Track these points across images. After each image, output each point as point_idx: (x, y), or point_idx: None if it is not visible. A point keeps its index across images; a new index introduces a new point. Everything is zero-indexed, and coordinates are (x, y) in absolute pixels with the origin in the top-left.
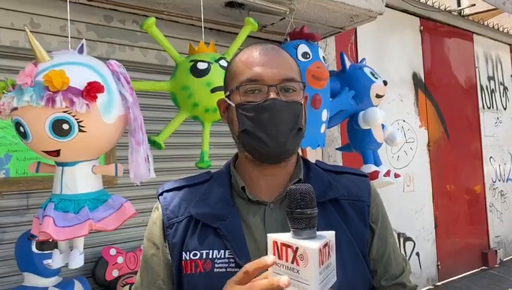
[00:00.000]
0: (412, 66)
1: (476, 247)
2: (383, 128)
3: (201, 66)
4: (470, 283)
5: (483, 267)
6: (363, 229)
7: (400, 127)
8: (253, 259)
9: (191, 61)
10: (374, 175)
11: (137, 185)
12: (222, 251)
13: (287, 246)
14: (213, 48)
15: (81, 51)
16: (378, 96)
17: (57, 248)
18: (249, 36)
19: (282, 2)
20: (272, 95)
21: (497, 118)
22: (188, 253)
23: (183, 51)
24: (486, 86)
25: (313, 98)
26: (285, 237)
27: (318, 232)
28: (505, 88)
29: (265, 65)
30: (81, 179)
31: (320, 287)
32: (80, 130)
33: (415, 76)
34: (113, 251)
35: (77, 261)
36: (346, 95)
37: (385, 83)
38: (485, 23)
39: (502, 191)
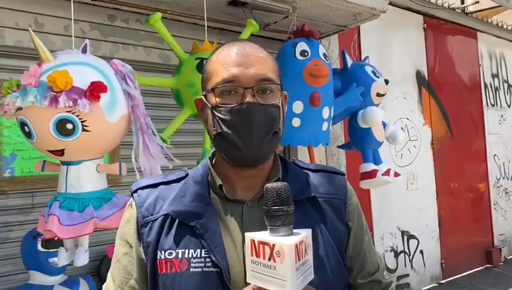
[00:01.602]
0: (416, 64)
1: (480, 245)
2: (384, 127)
3: None
4: (474, 281)
5: (488, 265)
6: (339, 226)
7: (403, 125)
8: (229, 258)
9: (197, 58)
10: (373, 174)
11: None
12: (198, 250)
13: (264, 243)
14: (217, 47)
15: (84, 51)
16: (379, 95)
17: (62, 246)
18: (251, 34)
19: (285, 0)
20: (248, 98)
21: (501, 116)
22: (163, 252)
23: (186, 49)
24: (490, 84)
25: (311, 96)
26: (263, 235)
27: (294, 230)
28: (509, 86)
29: (241, 65)
30: (85, 178)
31: (297, 283)
32: (84, 130)
33: (418, 74)
34: None
35: (82, 259)
36: (354, 91)
37: (386, 81)
38: (489, 20)
39: (506, 189)
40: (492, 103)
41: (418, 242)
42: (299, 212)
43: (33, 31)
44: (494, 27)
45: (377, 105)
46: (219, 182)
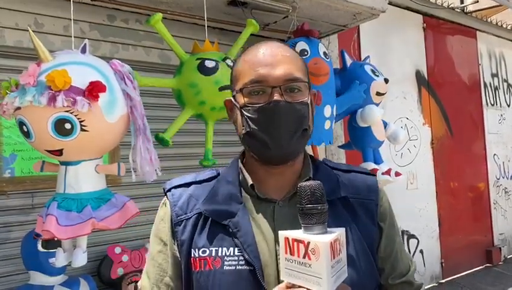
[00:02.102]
0: (415, 63)
1: (480, 244)
2: (385, 126)
3: (209, 64)
4: (474, 280)
5: (487, 265)
6: (371, 227)
7: (403, 125)
8: (262, 257)
9: (198, 59)
10: (372, 173)
11: (141, 183)
12: (231, 248)
13: (299, 241)
14: (217, 47)
15: (83, 51)
16: (378, 94)
17: (60, 247)
18: (251, 34)
19: (284, 0)
20: (276, 97)
21: (501, 115)
22: (197, 250)
23: (186, 49)
24: (490, 83)
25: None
26: (297, 233)
27: (328, 229)
28: (509, 85)
29: (269, 65)
30: (84, 178)
31: (333, 280)
32: (82, 130)
33: (418, 73)
34: (118, 249)
35: (80, 259)
36: (357, 88)
37: (386, 80)
38: (489, 19)
39: (506, 188)
40: (492, 103)
41: (418, 242)
42: (330, 212)
43: (33, 31)
44: (494, 26)
45: (378, 104)
46: (250, 181)
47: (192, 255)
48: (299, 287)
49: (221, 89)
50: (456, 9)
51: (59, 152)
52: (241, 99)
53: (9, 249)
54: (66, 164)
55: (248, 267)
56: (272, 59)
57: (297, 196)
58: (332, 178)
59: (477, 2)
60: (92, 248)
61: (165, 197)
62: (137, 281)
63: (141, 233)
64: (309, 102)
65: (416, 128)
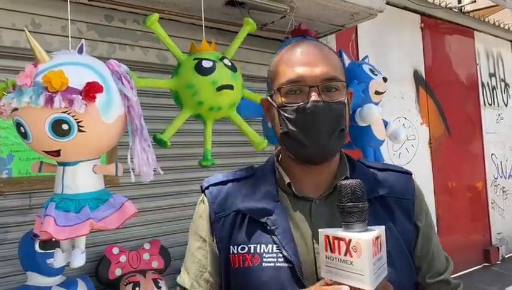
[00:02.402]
0: (413, 63)
1: (478, 244)
2: (386, 125)
3: (207, 64)
4: (472, 279)
5: (485, 264)
6: (408, 226)
7: (401, 125)
8: (300, 254)
9: (195, 59)
10: None
11: (140, 184)
12: (270, 246)
13: (339, 239)
14: (215, 47)
15: (80, 51)
16: (377, 92)
17: (58, 247)
18: (249, 34)
19: (282, 0)
20: (314, 97)
21: (499, 115)
22: (235, 247)
23: (183, 50)
24: (488, 83)
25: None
26: (337, 231)
27: (368, 227)
28: (506, 85)
29: (306, 65)
30: (82, 179)
31: (374, 277)
32: (80, 130)
33: (416, 73)
34: (116, 250)
35: (79, 260)
36: (355, 88)
37: (385, 79)
38: (486, 19)
39: (504, 187)
40: (490, 102)
41: None
42: (369, 211)
43: (30, 31)
44: (491, 26)
45: (377, 103)
46: (287, 180)
47: (231, 252)
48: (340, 284)
49: (220, 89)
50: (453, 9)
51: (57, 153)
52: (279, 99)
53: (7, 250)
54: (64, 164)
55: (287, 265)
56: (309, 58)
57: (336, 194)
58: (369, 177)
59: (475, 2)
60: (89, 248)
61: (202, 195)
62: (135, 282)
63: (139, 233)
64: (346, 101)
65: (414, 128)
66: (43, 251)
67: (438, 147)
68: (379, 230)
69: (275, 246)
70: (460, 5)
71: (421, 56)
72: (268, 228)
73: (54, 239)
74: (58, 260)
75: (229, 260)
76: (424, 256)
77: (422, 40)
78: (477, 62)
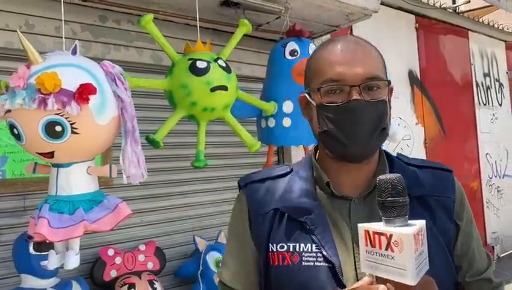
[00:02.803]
0: (408, 63)
1: None
2: None
3: (201, 64)
4: None
5: None
6: (448, 225)
7: (397, 124)
8: (340, 254)
9: (189, 59)
10: None
11: (135, 185)
12: (309, 245)
13: (380, 234)
14: (209, 48)
15: (74, 52)
16: None
17: (53, 249)
18: (244, 35)
19: (277, 0)
20: (354, 96)
21: (493, 114)
22: (274, 245)
23: (178, 50)
24: (482, 83)
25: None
26: (377, 226)
27: (409, 221)
28: (501, 84)
29: (347, 64)
30: (76, 180)
31: (416, 272)
32: (73, 132)
33: (410, 73)
34: (111, 252)
35: (73, 262)
36: None
37: None
38: (480, 20)
39: (499, 187)
40: (484, 102)
41: None
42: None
43: (24, 32)
44: (485, 26)
45: None
46: (326, 179)
47: (270, 250)
48: (382, 279)
49: (214, 89)
50: (448, 10)
51: (50, 154)
52: (318, 98)
53: (1, 252)
54: (58, 166)
55: (327, 264)
56: (350, 56)
57: (375, 193)
58: (409, 175)
59: (469, 2)
60: (84, 250)
61: (240, 192)
62: (130, 284)
63: (134, 235)
64: (387, 99)
65: (409, 128)
66: (37, 253)
67: (433, 147)
68: (420, 224)
69: (314, 245)
70: (455, 5)
71: (415, 56)
72: (308, 227)
73: (48, 241)
74: (52, 261)
75: (268, 258)
76: (464, 254)
77: (417, 41)
78: (472, 62)
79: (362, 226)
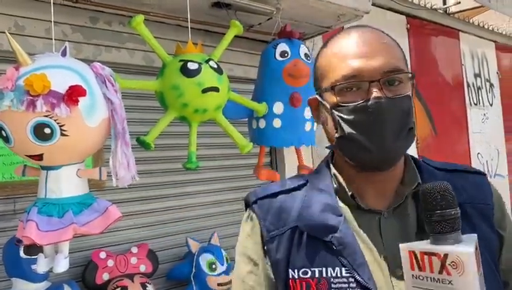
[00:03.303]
0: None
1: None
2: None
3: (192, 66)
4: None
5: None
6: (490, 236)
7: None
8: (376, 278)
9: (180, 61)
10: None
11: (126, 188)
12: (338, 269)
13: (431, 254)
14: (201, 49)
15: (64, 54)
16: None
17: (42, 252)
18: (236, 36)
19: (268, 1)
20: (375, 93)
21: (484, 115)
22: (295, 271)
23: (170, 51)
24: (473, 83)
25: (291, 96)
26: (425, 245)
27: (462, 235)
28: (491, 85)
29: (363, 57)
30: (65, 183)
31: None
32: (62, 134)
33: None
34: (103, 254)
35: (62, 265)
36: None
37: None
38: (471, 20)
39: None
40: (475, 102)
41: None
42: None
43: (13, 34)
44: (476, 27)
45: None
46: (350, 190)
47: (291, 277)
48: None
49: (205, 91)
50: (438, 10)
51: (39, 157)
52: (332, 98)
53: None
54: (47, 168)
55: None
56: (366, 49)
57: (404, 204)
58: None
59: (459, 3)
60: (76, 253)
61: (249, 211)
62: (123, 287)
63: (126, 237)
64: (411, 94)
65: None
66: (27, 257)
67: (425, 147)
68: (473, 239)
69: (343, 269)
70: (445, 6)
71: (407, 57)
72: (335, 248)
73: (36, 244)
74: (41, 265)
75: (289, 287)
76: (510, 269)
77: (408, 41)
78: (463, 63)
79: (406, 247)
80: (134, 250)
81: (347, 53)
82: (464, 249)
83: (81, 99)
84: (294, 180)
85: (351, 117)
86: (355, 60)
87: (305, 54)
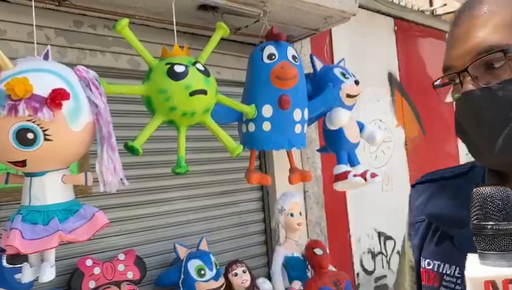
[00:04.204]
0: (388, 66)
1: None
2: (362, 128)
3: (179, 69)
4: None
5: None
6: None
7: (377, 127)
8: None
9: (167, 64)
10: (344, 176)
11: (113, 193)
12: (453, 267)
13: None
14: (187, 52)
15: (46, 57)
16: (349, 96)
17: (27, 261)
18: (223, 39)
19: (255, 4)
20: (467, 85)
21: None
22: (424, 260)
23: (155, 55)
24: None
25: (279, 99)
26: (504, 271)
27: None
28: None
29: (456, 41)
30: (50, 189)
31: None
32: (46, 139)
33: (390, 76)
34: (89, 262)
35: (48, 274)
36: (331, 91)
37: (357, 82)
38: None
39: None
40: None
41: (395, 243)
42: None
43: None
44: None
45: (350, 106)
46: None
47: (422, 265)
48: None
49: (193, 93)
50: (425, 12)
51: (22, 163)
52: (447, 96)
53: None
54: (31, 175)
55: None
56: (458, 31)
57: (474, 208)
58: None
59: (446, 5)
60: (61, 261)
61: (411, 192)
62: None
63: (113, 244)
64: None
65: (389, 130)
66: (11, 266)
67: (414, 148)
68: None
69: (457, 268)
70: (432, 8)
71: (395, 59)
72: (456, 244)
73: (21, 253)
74: (26, 274)
75: (420, 273)
76: None
77: (396, 43)
78: None
79: (479, 277)
80: (122, 257)
81: (449, 38)
82: None
83: (64, 102)
84: (458, 168)
85: (456, 116)
86: (449, 47)
87: (293, 56)
